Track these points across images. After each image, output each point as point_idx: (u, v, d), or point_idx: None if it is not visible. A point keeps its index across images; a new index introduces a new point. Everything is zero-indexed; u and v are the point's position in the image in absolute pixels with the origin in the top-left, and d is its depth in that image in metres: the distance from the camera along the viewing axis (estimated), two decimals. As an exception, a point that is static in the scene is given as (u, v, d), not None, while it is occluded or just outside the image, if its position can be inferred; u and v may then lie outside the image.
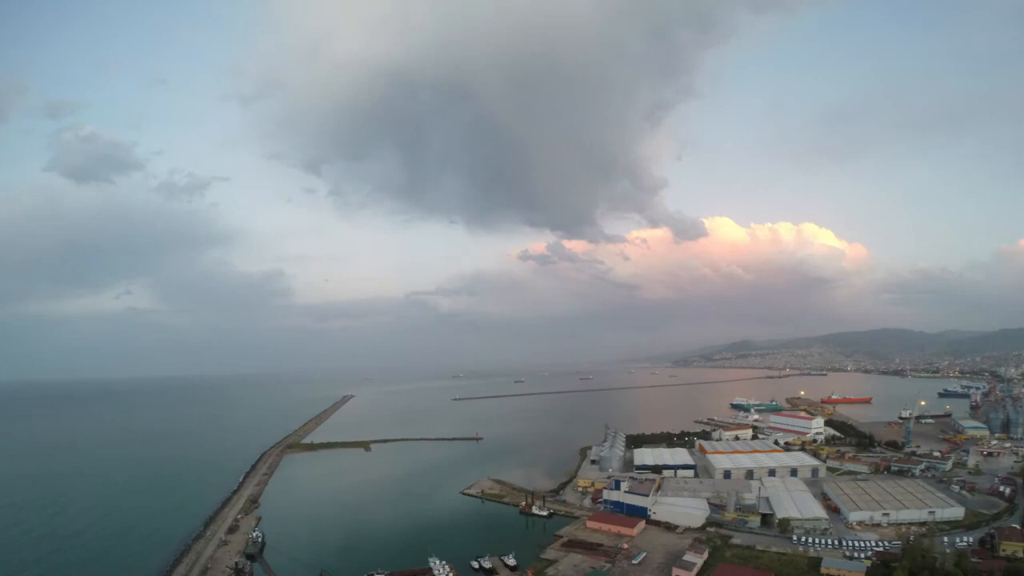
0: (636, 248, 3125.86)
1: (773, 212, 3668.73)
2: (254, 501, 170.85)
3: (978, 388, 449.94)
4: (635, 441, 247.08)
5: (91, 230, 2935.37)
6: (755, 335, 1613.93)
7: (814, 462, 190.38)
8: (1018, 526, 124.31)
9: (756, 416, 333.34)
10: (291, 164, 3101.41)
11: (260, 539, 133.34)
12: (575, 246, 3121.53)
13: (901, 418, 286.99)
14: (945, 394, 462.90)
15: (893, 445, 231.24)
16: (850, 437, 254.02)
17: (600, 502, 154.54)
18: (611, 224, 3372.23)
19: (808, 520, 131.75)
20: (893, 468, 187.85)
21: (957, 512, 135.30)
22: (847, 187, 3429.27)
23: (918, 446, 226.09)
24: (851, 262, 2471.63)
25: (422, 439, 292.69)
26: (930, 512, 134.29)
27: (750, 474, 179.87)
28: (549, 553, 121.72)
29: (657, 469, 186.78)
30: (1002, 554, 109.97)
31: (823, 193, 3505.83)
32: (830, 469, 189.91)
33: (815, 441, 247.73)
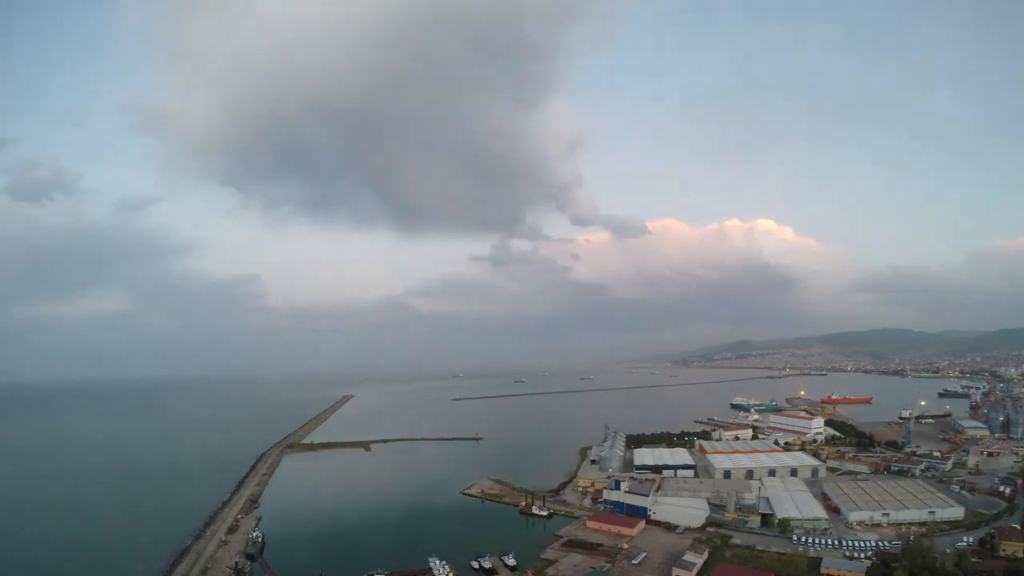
0: (589, 248, 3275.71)
1: (722, 211, 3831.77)
2: (254, 501, 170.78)
3: (978, 388, 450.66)
4: (635, 441, 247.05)
5: (55, 244, 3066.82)
6: (755, 335, 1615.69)
7: (814, 462, 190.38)
8: (1018, 526, 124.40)
9: (756, 416, 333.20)
10: (221, 183, 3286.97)
11: (260, 539, 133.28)
12: (521, 246, 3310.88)
13: (901, 418, 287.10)
14: (945, 394, 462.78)
15: (893, 445, 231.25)
16: (850, 437, 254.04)
17: (600, 502, 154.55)
18: (551, 226, 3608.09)
19: (808, 520, 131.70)
20: (893, 468, 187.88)
21: (957, 512, 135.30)
22: (786, 181, 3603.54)
23: (918, 446, 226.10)
24: (814, 258, 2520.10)
25: (422, 439, 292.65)
26: (930, 512, 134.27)
27: (750, 474, 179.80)
28: (549, 553, 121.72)
29: (657, 469, 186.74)
30: (1002, 554, 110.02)
31: (773, 190, 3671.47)
32: (830, 469, 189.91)
33: (815, 441, 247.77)
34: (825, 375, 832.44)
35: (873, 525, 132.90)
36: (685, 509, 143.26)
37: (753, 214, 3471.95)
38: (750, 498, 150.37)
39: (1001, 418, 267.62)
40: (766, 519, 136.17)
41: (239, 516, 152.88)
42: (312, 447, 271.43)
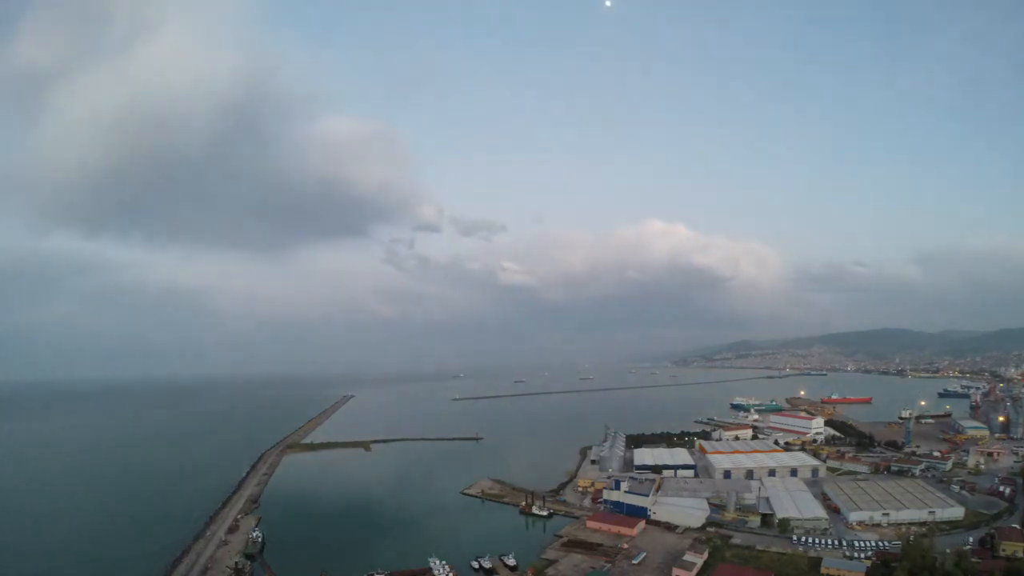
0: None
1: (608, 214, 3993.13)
2: (254, 501, 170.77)
3: (978, 388, 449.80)
4: (635, 441, 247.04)
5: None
6: (754, 335, 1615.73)
7: (814, 462, 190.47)
8: (1018, 526, 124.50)
9: (756, 416, 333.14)
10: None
11: (260, 539, 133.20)
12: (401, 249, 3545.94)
13: (901, 418, 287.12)
14: (945, 394, 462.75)
15: (893, 445, 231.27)
16: (850, 437, 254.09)
17: (600, 502, 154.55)
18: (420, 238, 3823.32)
19: (808, 520, 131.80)
20: (893, 468, 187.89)
21: (957, 512, 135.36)
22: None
23: (918, 446, 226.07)
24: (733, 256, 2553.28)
25: (422, 439, 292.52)
26: (930, 512, 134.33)
27: (750, 474, 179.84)
28: (549, 553, 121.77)
29: (657, 469, 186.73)
30: (1002, 554, 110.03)
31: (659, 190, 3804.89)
32: (830, 469, 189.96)
33: (815, 441, 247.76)
34: (825, 375, 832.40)
35: (873, 525, 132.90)
36: (685, 509, 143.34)
37: (642, 215, 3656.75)
38: (750, 498, 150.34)
39: (1001, 418, 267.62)
40: (766, 519, 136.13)
41: (239, 516, 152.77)
42: (312, 447, 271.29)
